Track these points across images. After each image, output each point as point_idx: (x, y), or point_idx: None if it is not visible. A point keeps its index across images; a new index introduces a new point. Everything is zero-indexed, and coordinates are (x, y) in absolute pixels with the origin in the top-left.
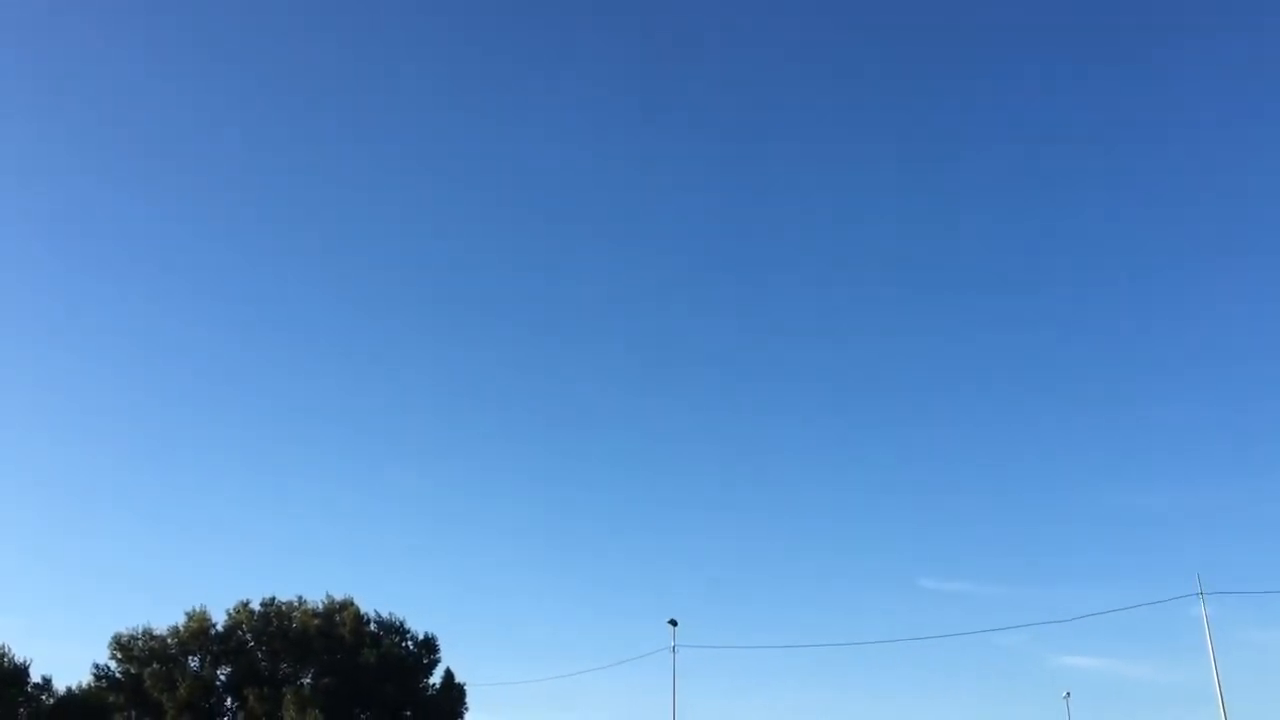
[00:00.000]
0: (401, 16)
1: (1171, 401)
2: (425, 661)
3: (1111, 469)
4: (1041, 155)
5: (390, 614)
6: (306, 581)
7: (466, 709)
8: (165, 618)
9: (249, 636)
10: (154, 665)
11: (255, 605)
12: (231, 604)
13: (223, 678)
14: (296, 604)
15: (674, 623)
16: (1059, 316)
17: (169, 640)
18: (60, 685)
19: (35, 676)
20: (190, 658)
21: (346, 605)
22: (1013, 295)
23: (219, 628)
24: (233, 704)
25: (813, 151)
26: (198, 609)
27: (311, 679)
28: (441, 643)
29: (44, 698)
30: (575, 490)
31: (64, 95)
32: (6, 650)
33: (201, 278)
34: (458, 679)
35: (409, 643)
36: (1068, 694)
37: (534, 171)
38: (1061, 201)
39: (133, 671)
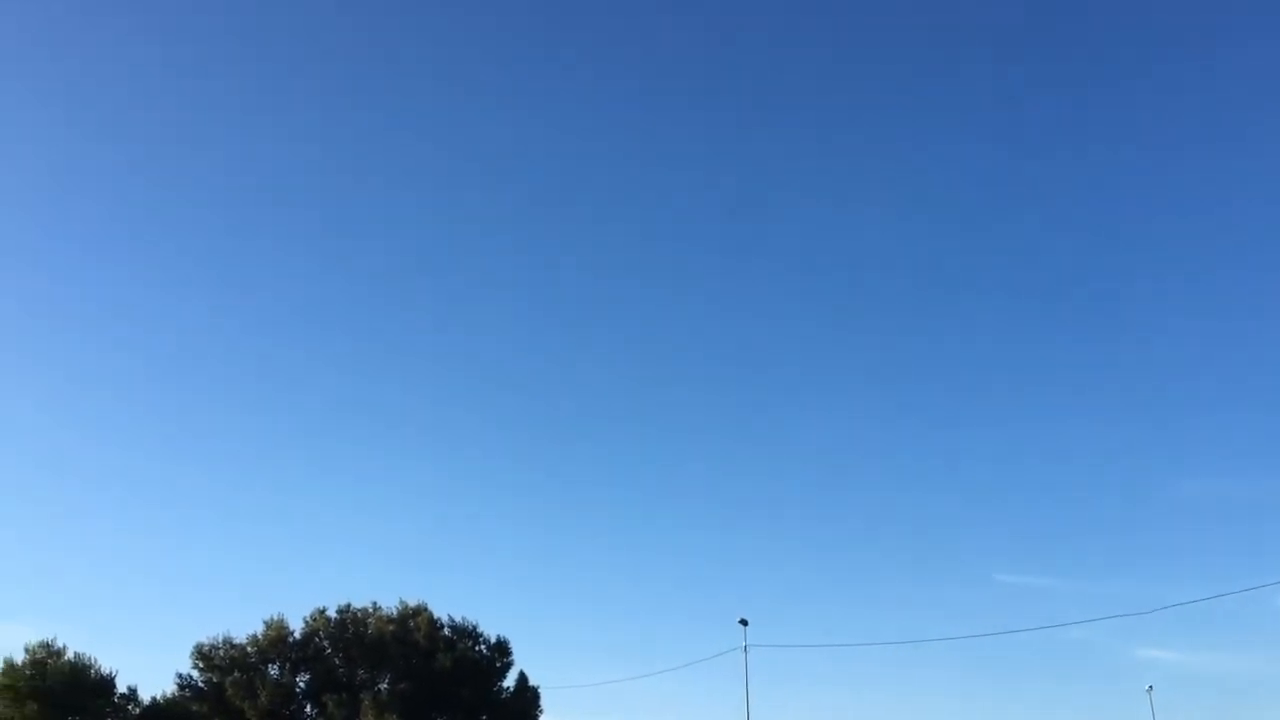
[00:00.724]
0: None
1: (1250, 387)
2: (498, 665)
3: (1190, 457)
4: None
5: (463, 618)
6: (379, 587)
7: (541, 711)
8: (242, 626)
9: (326, 643)
10: (235, 674)
11: (331, 612)
12: (307, 611)
13: (302, 685)
14: (371, 610)
15: (745, 622)
16: (1131, 315)
17: (249, 649)
18: (145, 695)
19: (121, 687)
20: (270, 665)
21: (420, 610)
22: (1068, 293)
23: (296, 635)
24: (312, 710)
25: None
26: (275, 617)
27: (388, 684)
28: (513, 646)
29: (130, 708)
30: (643, 490)
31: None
32: (93, 661)
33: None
34: (531, 681)
35: (482, 646)
36: (1150, 687)
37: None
38: (1127, 202)
39: (215, 680)
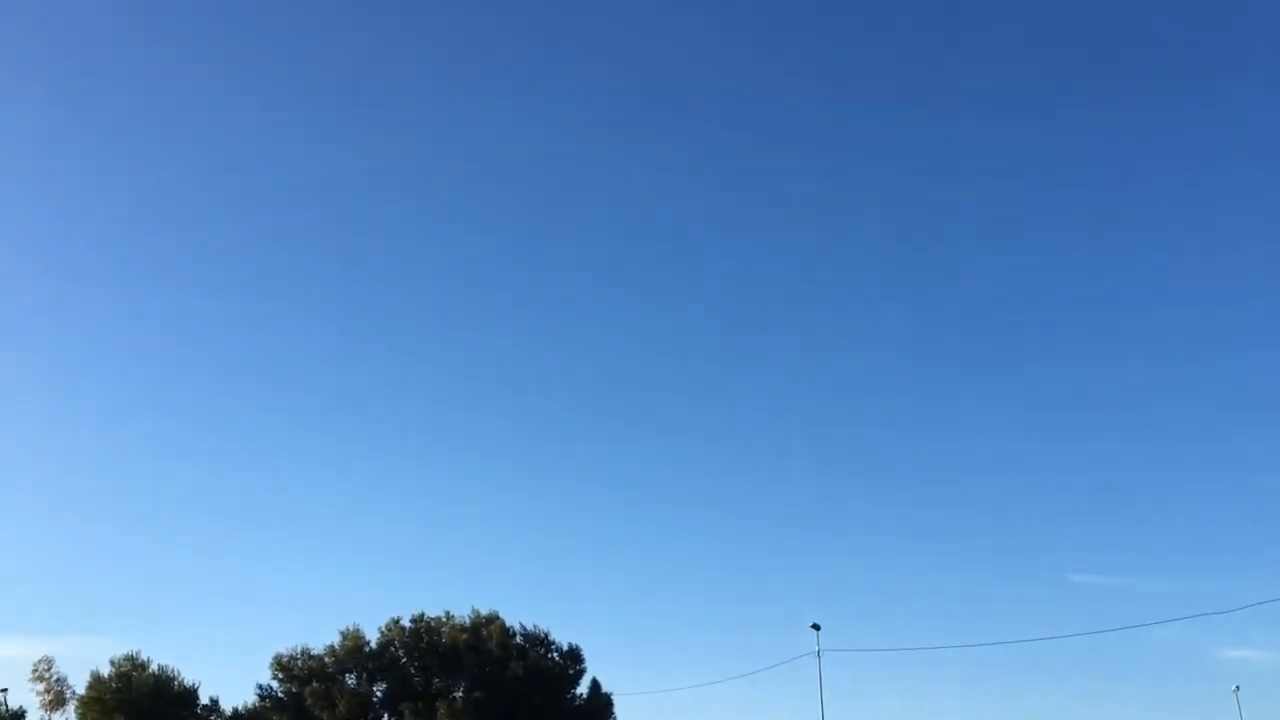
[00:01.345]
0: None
1: None
2: (571, 672)
3: (1268, 450)
4: None
5: (534, 626)
6: (449, 596)
7: (614, 718)
8: (318, 637)
9: (401, 653)
10: (314, 684)
11: (405, 622)
12: (381, 621)
13: (378, 694)
14: (444, 619)
15: (817, 627)
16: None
17: (326, 659)
18: (226, 706)
19: (203, 698)
20: (347, 675)
21: (492, 619)
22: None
23: (372, 645)
24: (389, 719)
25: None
26: (351, 627)
27: (462, 692)
28: (585, 653)
29: (213, 719)
30: (712, 496)
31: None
32: (176, 673)
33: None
34: (604, 689)
35: (554, 654)
36: (1237, 687)
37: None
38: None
39: (294, 690)
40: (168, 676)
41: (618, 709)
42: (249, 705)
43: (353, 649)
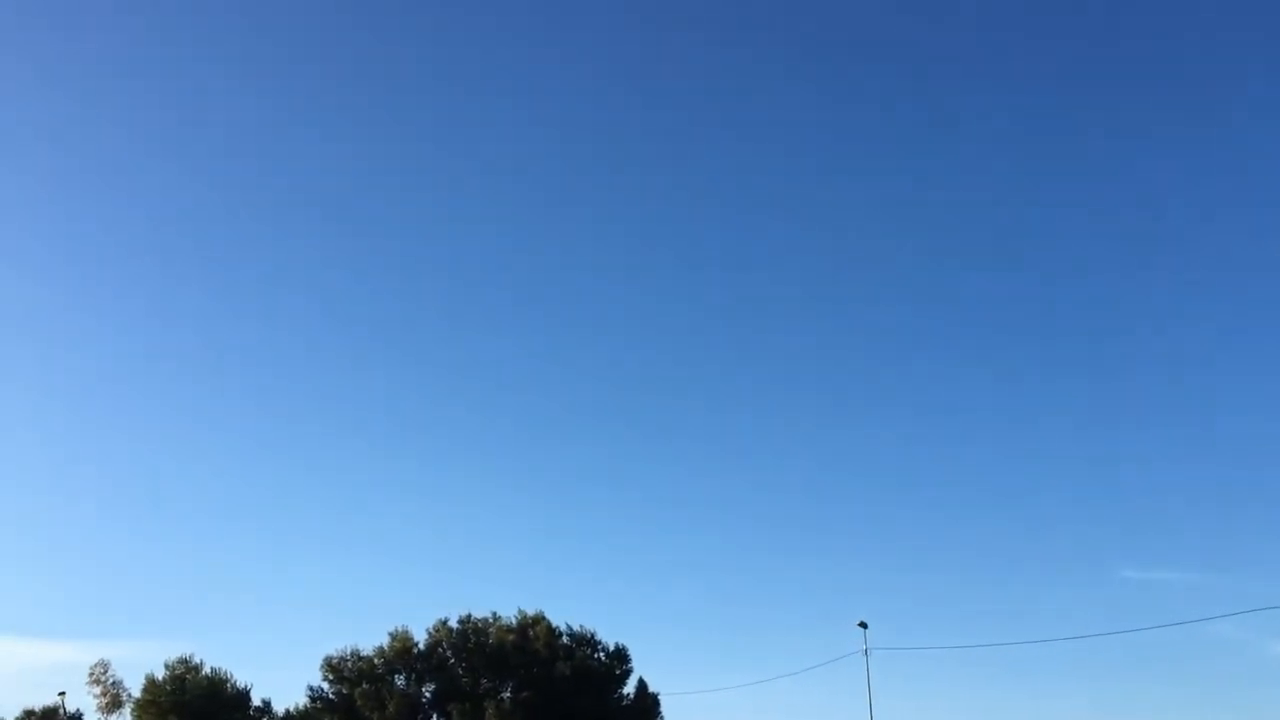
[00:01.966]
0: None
1: None
2: (617, 672)
3: None
4: None
5: (580, 626)
6: (497, 597)
7: (661, 718)
8: (365, 638)
9: (449, 653)
10: (363, 685)
11: (453, 623)
12: (429, 622)
13: (427, 695)
14: (491, 620)
15: (864, 625)
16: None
17: (376, 660)
18: (278, 707)
19: (256, 700)
20: (396, 676)
21: (538, 619)
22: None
23: (420, 646)
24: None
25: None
26: (400, 629)
27: (510, 693)
28: (631, 652)
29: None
30: (757, 491)
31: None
32: (229, 675)
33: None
34: (650, 688)
35: (600, 654)
36: None
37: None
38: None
39: (344, 692)
40: (220, 678)
41: (664, 709)
42: (300, 707)
43: (401, 650)
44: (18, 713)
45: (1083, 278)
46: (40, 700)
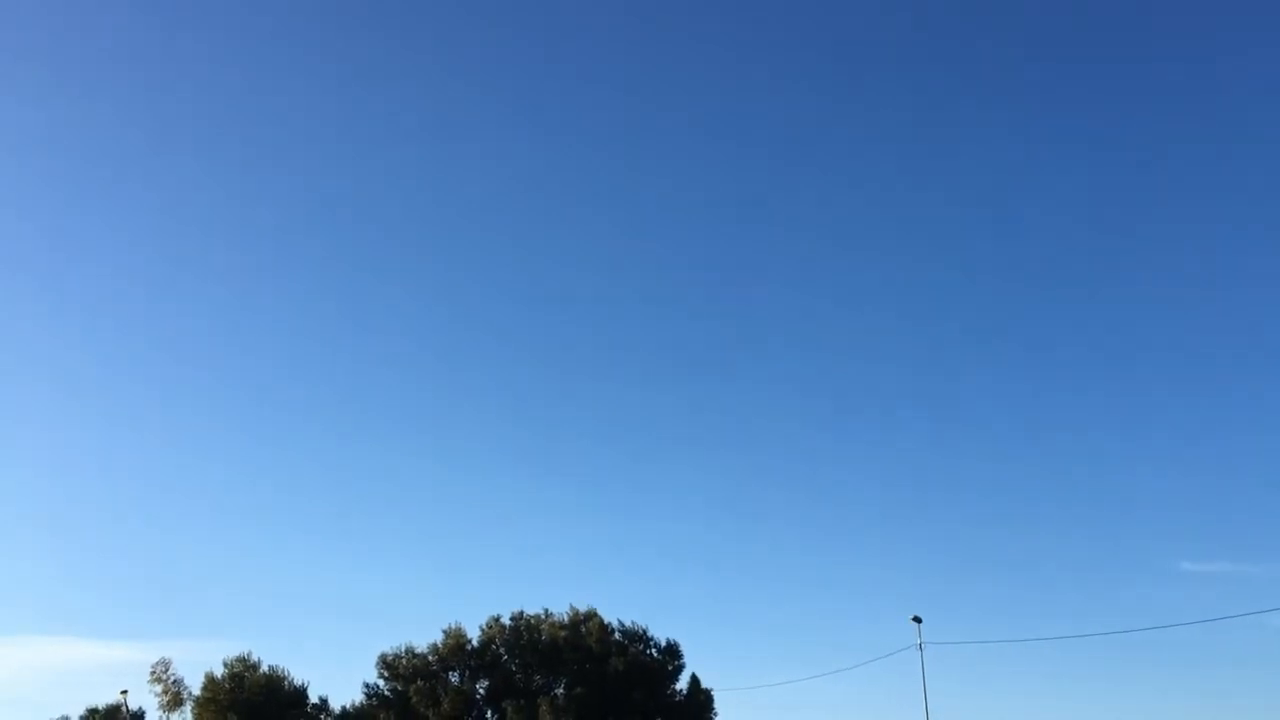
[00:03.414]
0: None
1: None
2: (670, 668)
3: None
4: None
5: (632, 622)
6: (548, 594)
7: (715, 714)
8: (418, 635)
9: (502, 650)
10: (418, 682)
11: (505, 619)
12: (482, 619)
13: (481, 691)
14: (543, 616)
15: (919, 619)
16: None
17: (430, 657)
18: (335, 705)
19: (313, 697)
20: (450, 673)
21: (590, 615)
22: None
23: (474, 643)
24: (493, 716)
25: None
26: (453, 626)
27: (563, 689)
28: (683, 649)
29: (323, 717)
30: (808, 489)
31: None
32: (286, 673)
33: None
34: (703, 684)
35: (653, 650)
36: None
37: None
38: None
39: (399, 689)
40: (278, 676)
41: (717, 704)
42: (356, 704)
43: (455, 647)
44: (82, 711)
45: (1122, 278)
46: (103, 699)
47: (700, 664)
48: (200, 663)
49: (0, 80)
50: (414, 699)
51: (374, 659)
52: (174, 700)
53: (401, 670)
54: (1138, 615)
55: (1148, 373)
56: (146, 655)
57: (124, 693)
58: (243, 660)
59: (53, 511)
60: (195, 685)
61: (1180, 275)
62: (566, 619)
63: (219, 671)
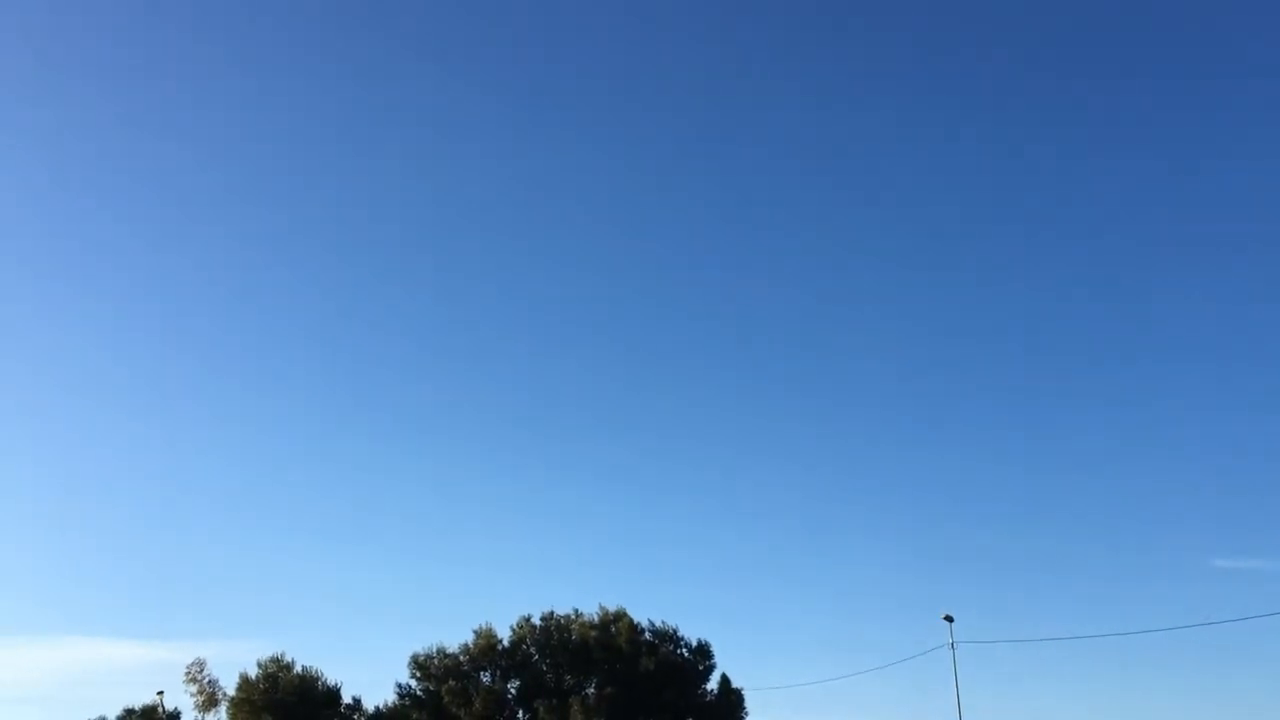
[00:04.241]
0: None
1: None
2: (700, 668)
3: None
4: None
5: (662, 622)
6: (577, 594)
7: (746, 713)
8: (452, 636)
9: (533, 650)
10: (450, 682)
11: (535, 620)
12: (512, 620)
13: (512, 690)
14: (573, 616)
15: (950, 618)
16: None
17: (461, 657)
18: (368, 705)
19: (346, 697)
20: (482, 673)
21: (620, 615)
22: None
23: (504, 643)
24: (524, 715)
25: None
26: (484, 626)
27: (594, 689)
28: (713, 648)
29: (356, 717)
30: (839, 486)
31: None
32: (319, 674)
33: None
34: (734, 684)
35: (683, 650)
36: None
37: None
38: None
39: (431, 689)
40: (312, 676)
41: (748, 704)
42: (389, 704)
43: (486, 647)
44: (119, 711)
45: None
46: (140, 699)
47: (730, 664)
48: (235, 663)
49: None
50: (446, 699)
51: (405, 659)
52: (209, 700)
53: (433, 670)
54: (1170, 613)
55: (1180, 369)
56: (182, 656)
57: (160, 693)
58: (276, 661)
59: (90, 514)
60: (230, 686)
61: (1212, 269)
62: (596, 619)
63: (253, 672)
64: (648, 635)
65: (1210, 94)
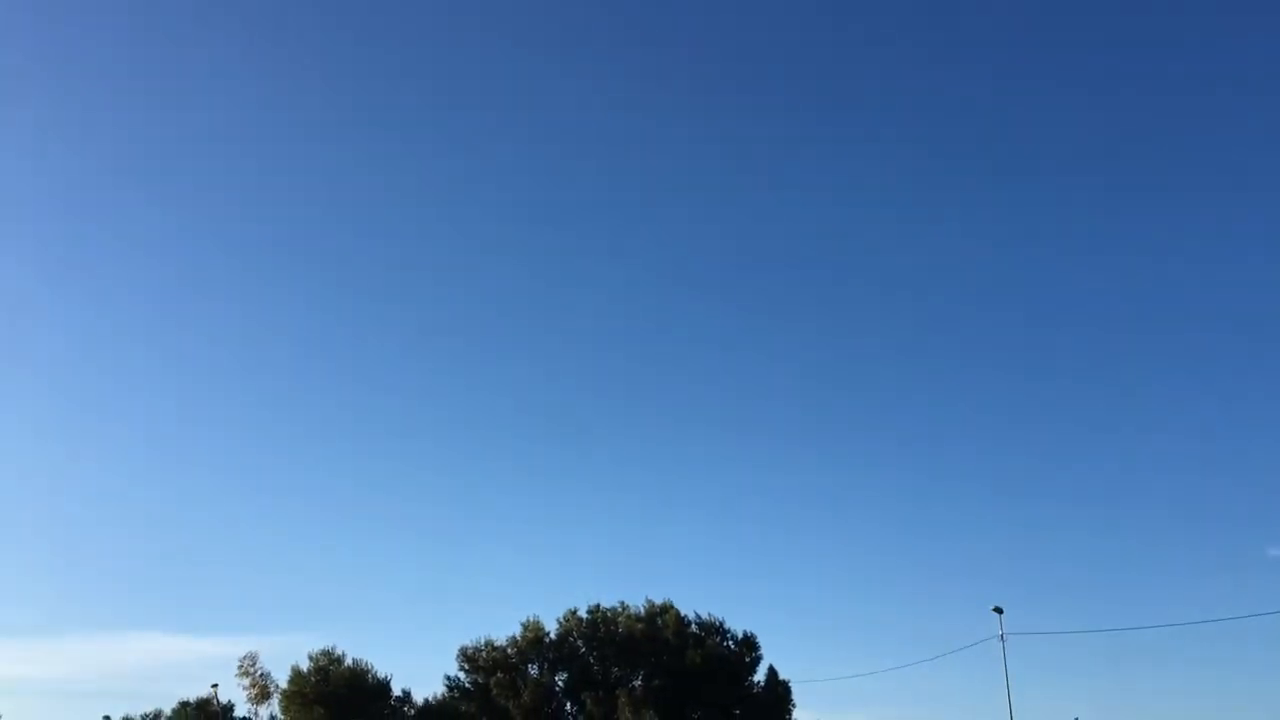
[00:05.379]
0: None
1: None
2: (747, 660)
3: None
4: None
5: (709, 614)
6: (624, 587)
7: (794, 705)
8: (499, 629)
9: (580, 643)
10: (498, 674)
11: (582, 613)
12: (559, 613)
13: (560, 683)
14: (620, 609)
15: (1000, 610)
16: None
17: (509, 650)
18: (417, 697)
19: (396, 690)
20: (529, 665)
21: (667, 608)
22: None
23: (552, 636)
24: (572, 708)
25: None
26: (531, 619)
27: (641, 681)
28: (760, 641)
29: (406, 709)
30: (885, 478)
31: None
32: (370, 666)
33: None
34: (781, 676)
35: (729, 642)
36: None
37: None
38: None
39: (480, 681)
40: (362, 669)
41: (795, 696)
42: (438, 696)
43: (533, 640)
44: (174, 704)
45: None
46: (194, 692)
47: (777, 656)
48: (286, 656)
49: None
50: (494, 691)
51: (454, 652)
52: (261, 693)
53: (481, 663)
54: (1224, 603)
55: (1231, 356)
56: (235, 649)
57: (214, 686)
58: (327, 654)
59: (146, 511)
60: (282, 679)
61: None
62: (643, 611)
63: (305, 665)
64: (694, 628)
65: None
